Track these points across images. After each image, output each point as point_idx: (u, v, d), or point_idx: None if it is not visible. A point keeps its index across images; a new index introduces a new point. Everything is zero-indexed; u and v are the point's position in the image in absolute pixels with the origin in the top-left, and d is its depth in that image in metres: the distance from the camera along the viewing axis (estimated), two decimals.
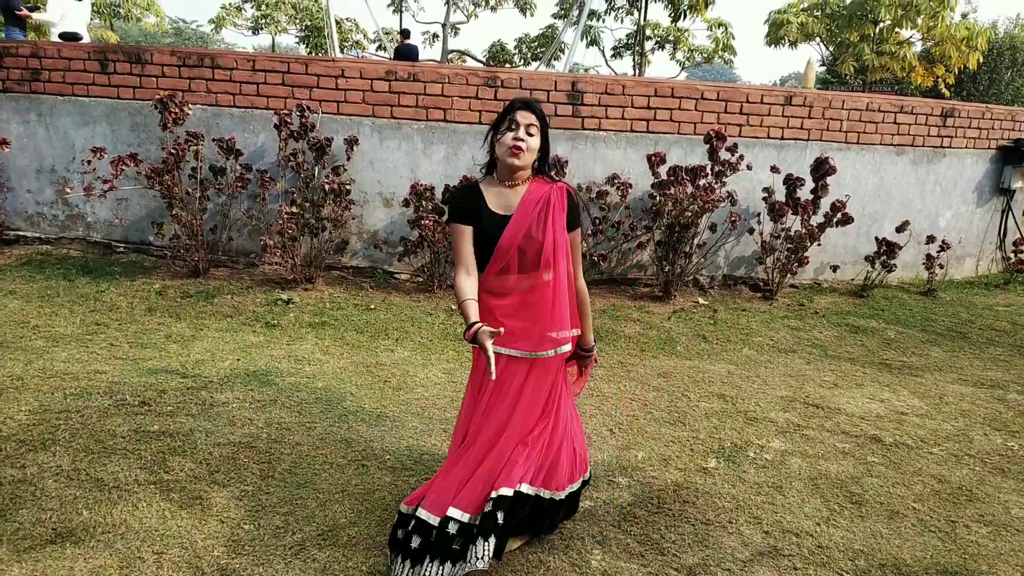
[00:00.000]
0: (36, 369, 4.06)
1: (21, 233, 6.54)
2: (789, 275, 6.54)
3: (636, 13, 20.07)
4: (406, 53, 13.98)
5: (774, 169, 6.41)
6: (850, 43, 16.15)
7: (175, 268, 5.98)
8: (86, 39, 8.52)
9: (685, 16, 17.51)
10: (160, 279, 5.84)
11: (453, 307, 5.65)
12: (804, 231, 6.30)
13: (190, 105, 5.88)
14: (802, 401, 4.40)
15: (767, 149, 6.67)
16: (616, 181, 6.14)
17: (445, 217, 2.47)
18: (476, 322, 2.27)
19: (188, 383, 4.01)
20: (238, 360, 4.43)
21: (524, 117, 2.39)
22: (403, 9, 23.15)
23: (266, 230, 5.83)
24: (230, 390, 3.96)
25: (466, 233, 2.43)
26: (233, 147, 5.78)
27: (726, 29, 19.62)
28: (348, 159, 6.02)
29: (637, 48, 20.32)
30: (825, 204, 6.39)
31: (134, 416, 3.56)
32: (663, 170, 6.12)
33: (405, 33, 15.36)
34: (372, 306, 5.61)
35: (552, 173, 2.64)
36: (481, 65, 23.83)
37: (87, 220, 6.52)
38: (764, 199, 6.45)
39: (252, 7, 23.60)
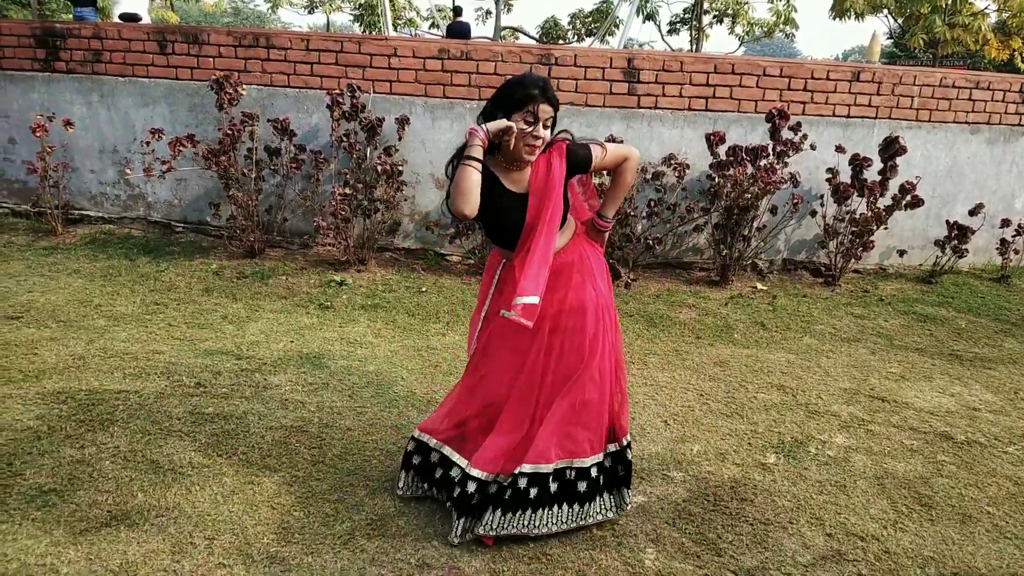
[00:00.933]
0: (97, 348, 4.15)
1: (85, 212, 6.71)
2: (853, 260, 6.28)
3: None
4: (458, 31, 13.87)
5: (839, 149, 6.14)
6: (920, 15, 15.39)
7: (232, 248, 6.05)
8: (146, 20, 8.66)
9: None
10: (217, 259, 5.92)
11: None
12: (870, 214, 6.04)
13: (244, 86, 5.91)
14: (866, 394, 4.22)
15: (832, 128, 6.40)
16: (673, 161, 5.97)
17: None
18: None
19: (242, 364, 4.05)
20: (291, 342, 4.45)
21: (544, 111, 2.33)
22: None
23: (319, 211, 5.84)
24: (283, 372, 3.99)
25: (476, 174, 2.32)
26: (287, 128, 5.79)
27: (788, 1, 18.92)
28: (400, 139, 5.98)
29: (695, 22, 19.80)
30: (893, 186, 6.10)
31: (190, 398, 3.61)
32: (722, 150, 5.93)
33: (457, 11, 15.22)
34: (424, 288, 5.59)
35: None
36: (534, 42, 23.55)
37: (148, 200, 6.64)
38: (828, 180, 6.19)
39: None
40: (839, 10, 17.01)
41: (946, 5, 14.95)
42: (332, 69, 6.11)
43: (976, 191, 6.88)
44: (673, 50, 19.35)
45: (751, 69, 6.21)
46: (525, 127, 2.31)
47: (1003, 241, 6.70)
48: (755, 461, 3.32)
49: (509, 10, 24.50)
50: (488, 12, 24.05)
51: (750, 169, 5.74)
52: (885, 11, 17.31)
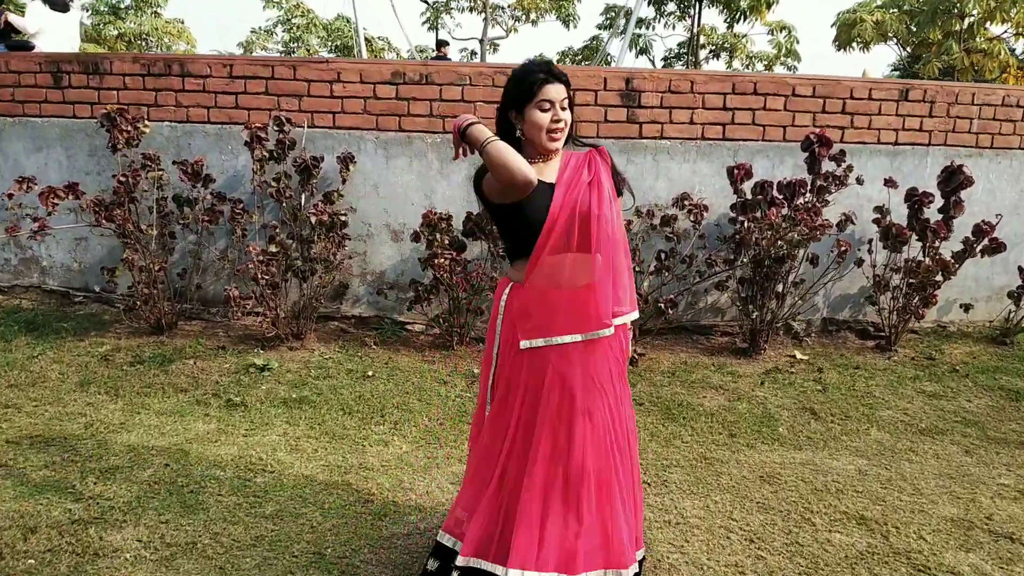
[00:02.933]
0: None
1: None
2: (913, 319, 5.04)
3: (689, 19, 18.66)
4: None
5: (889, 183, 4.95)
6: (932, 42, 14.42)
7: (134, 323, 4.81)
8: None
9: (744, 19, 16.03)
10: (114, 338, 4.68)
11: (476, 370, 4.34)
12: (932, 262, 4.82)
13: (146, 122, 4.73)
14: (984, 527, 2.94)
15: (877, 157, 5.22)
16: (686, 203, 4.76)
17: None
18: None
19: (77, 511, 2.76)
20: (166, 466, 3.17)
21: (556, 92, 2.08)
22: (439, 26, 22.17)
23: (241, 275, 4.61)
24: (133, 524, 2.70)
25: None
26: (201, 172, 4.60)
27: (789, 33, 18.00)
28: (343, 182, 4.78)
29: (690, 57, 18.88)
30: (958, 226, 4.90)
31: None
32: (747, 187, 4.74)
33: (442, 43, 14.22)
34: (371, 372, 4.33)
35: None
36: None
37: (42, 264, 5.40)
38: (875, 221, 4.99)
39: (283, 30, 22.98)
40: (844, 39, 16.06)
41: (962, 30, 13.99)
42: (262, 100, 4.94)
43: None
44: None
45: (777, 88, 5.05)
46: (543, 117, 2.08)
47: None
48: None
49: (495, 50, 23.70)
50: (473, 52, 23.23)
51: (786, 210, 4.54)
52: (893, 39, 16.40)
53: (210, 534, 2.63)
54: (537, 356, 2.11)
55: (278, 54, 22.60)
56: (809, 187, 4.64)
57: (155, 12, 21.99)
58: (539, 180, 2.05)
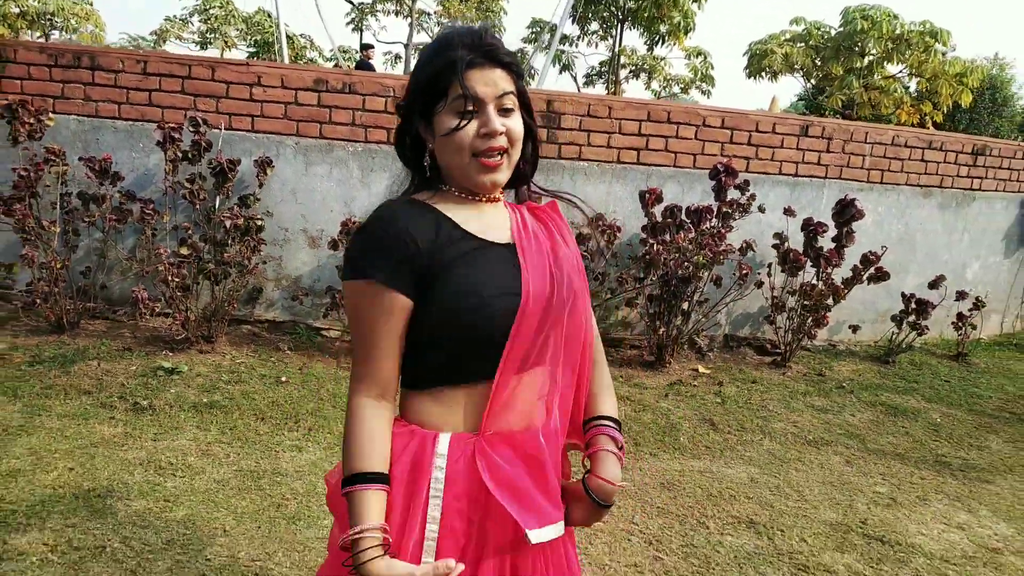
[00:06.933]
0: None
1: None
2: (806, 338, 5.40)
3: (611, 39, 19.20)
4: (368, 69, 12.79)
5: (788, 211, 5.30)
6: (835, 76, 15.37)
7: (34, 321, 4.62)
8: None
9: (663, 43, 16.66)
10: (11, 336, 4.48)
11: None
12: (824, 287, 5.18)
13: (51, 115, 4.58)
14: (859, 530, 3.21)
15: (779, 187, 5.57)
16: (601, 223, 4.96)
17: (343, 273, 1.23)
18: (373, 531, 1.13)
19: None
20: (71, 469, 3.09)
21: (487, 81, 1.20)
22: (363, 27, 22.02)
23: (149, 276, 4.51)
24: (39, 528, 2.64)
25: (395, 306, 1.19)
26: (108, 169, 4.48)
27: (705, 58, 18.81)
28: (260, 186, 4.75)
29: (611, 76, 19.43)
30: (849, 254, 5.29)
31: None
32: (658, 210, 4.97)
33: (366, 47, 14.12)
34: (284, 377, 4.32)
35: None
36: None
37: None
38: (775, 247, 5.33)
39: (200, 20, 22.27)
40: (755, 68, 16.93)
41: (862, 67, 14.97)
42: (177, 98, 4.85)
43: (928, 261, 6.19)
44: None
45: (689, 118, 5.33)
46: (457, 124, 1.19)
47: (960, 315, 5.99)
48: None
49: None
50: (398, 56, 23.17)
51: (693, 233, 4.79)
52: (800, 72, 17.38)
53: (120, 538, 2.60)
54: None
55: (193, 45, 21.88)
56: (715, 213, 4.92)
57: None
58: (481, 237, 1.25)
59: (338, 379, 4.38)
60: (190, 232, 4.49)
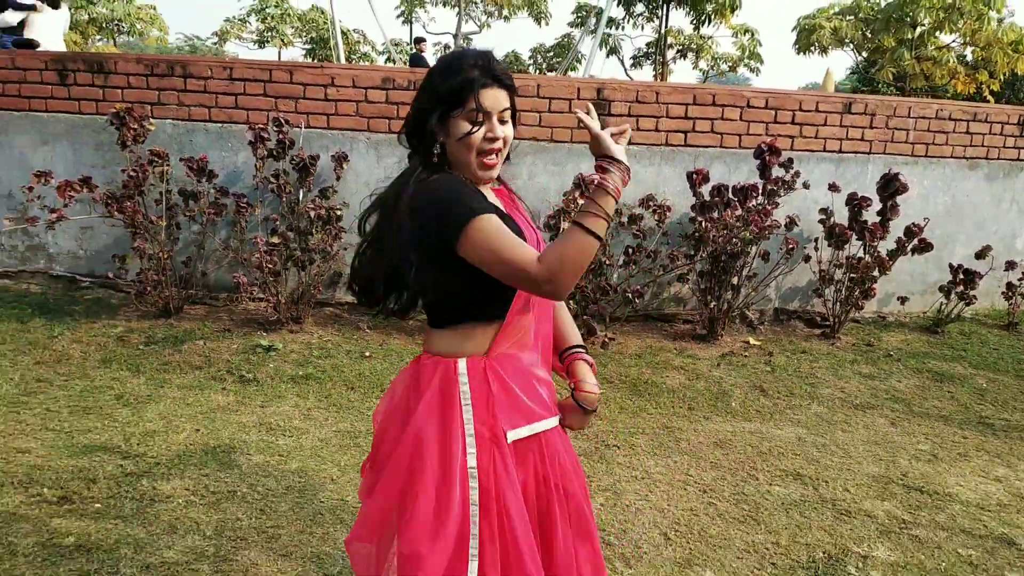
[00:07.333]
0: None
1: None
2: (853, 309, 5.63)
3: (657, 20, 19.25)
4: (423, 63, 13.22)
5: (832, 187, 5.52)
6: (886, 48, 15.19)
7: (143, 308, 5.17)
8: (58, 47, 7.76)
9: (709, 22, 16.67)
10: (125, 320, 5.03)
11: None
12: (871, 259, 5.40)
13: (152, 120, 5.08)
14: (899, 482, 3.50)
15: (823, 164, 5.79)
16: (651, 203, 5.27)
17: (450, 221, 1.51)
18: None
19: (128, 466, 3.18)
20: (197, 431, 3.59)
21: (494, 99, 1.56)
22: (413, 20, 22.50)
23: (244, 263, 5.00)
24: (179, 476, 3.13)
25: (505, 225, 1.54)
26: (205, 168, 4.97)
27: (752, 35, 18.73)
28: (338, 179, 5.20)
29: (659, 57, 19.50)
30: (894, 227, 5.48)
31: (49, 519, 2.74)
32: (705, 190, 5.25)
33: (419, 40, 14.55)
34: (367, 352, 4.77)
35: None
36: None
37: (48, 251, 5.72)
38: (821, 222, 5.56)
39: (257, 20, 23.09)
40: (804, 44, 16.82)
41: (913, 39, 14.78)
42: (260, 101, 5.33)
43: (976, 231, 6.32)
44: None
45: (734, 100, 5.59)
46: (471, 130, 1.55)
47: (1009, 285, 6.11)
48: None
49: (469, 45, 24.07)
50: (446, 47, 23.58)
51: (739, 211, 5.07)
52: (850, 45, 17.21)
53: (247, 485, 3.07)
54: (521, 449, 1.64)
55: (252, 44, 22.67)
56: (761, 191, 5.18)
57: None
58: (504, 213, 1.64)
59: (415, 353, 4.80)
60: (278, 223, 4.96)
